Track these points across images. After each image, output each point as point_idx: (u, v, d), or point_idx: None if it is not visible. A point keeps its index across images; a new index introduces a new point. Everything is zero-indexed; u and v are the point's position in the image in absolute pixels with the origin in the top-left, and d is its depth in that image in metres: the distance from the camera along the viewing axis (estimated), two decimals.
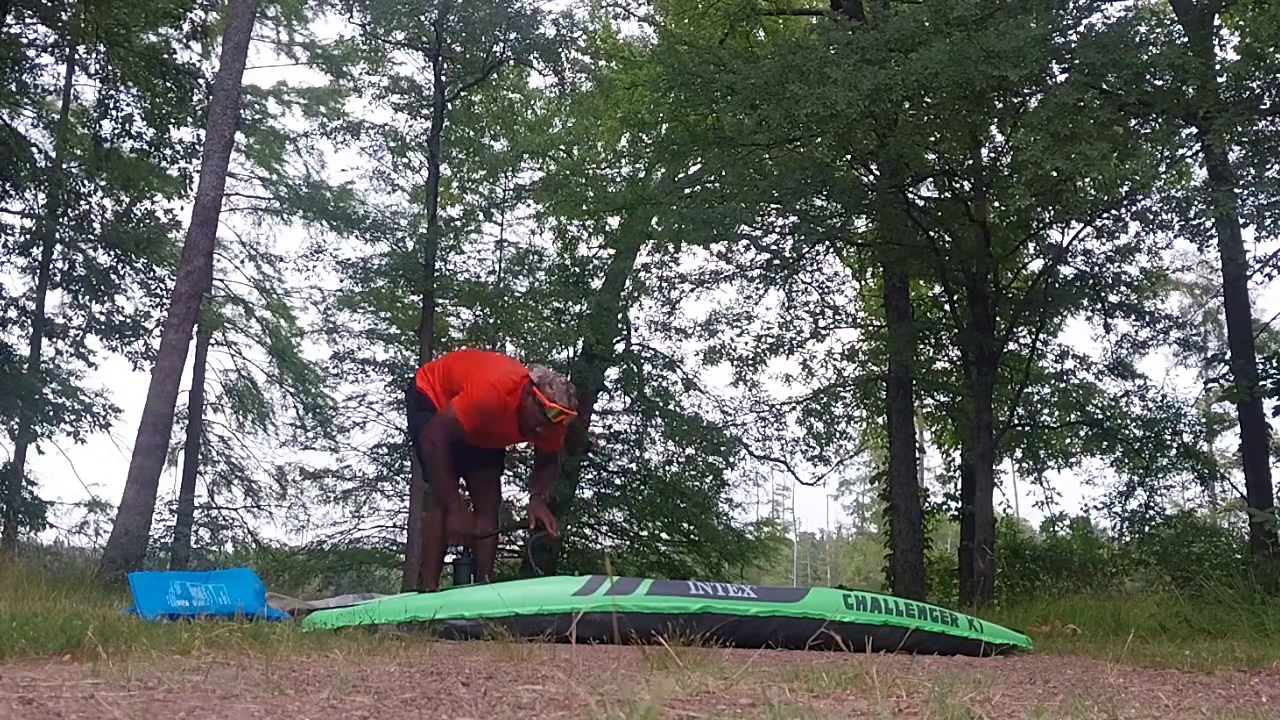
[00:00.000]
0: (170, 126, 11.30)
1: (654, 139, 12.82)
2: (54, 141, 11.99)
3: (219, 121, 8.39)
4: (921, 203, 10.04)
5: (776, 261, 11.74)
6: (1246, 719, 1.71)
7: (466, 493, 4.29)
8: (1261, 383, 8.22)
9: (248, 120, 15.02)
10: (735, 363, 12.70)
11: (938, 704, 1.58)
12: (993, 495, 9.50)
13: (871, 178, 10.15)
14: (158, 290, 12.46)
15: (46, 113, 12.37)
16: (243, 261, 17.12)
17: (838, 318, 12.92)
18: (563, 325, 13.46)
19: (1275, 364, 8.61)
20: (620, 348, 13.93)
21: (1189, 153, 8.58)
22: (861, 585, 21.18)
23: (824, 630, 3.38)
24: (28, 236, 11.90)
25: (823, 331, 12.74)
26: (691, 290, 12.74)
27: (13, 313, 12.33)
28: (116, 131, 11.32)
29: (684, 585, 3.80)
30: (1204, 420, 12.05)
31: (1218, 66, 7.55)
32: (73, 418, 12.30)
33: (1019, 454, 11.69)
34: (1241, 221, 7.67)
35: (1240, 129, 7.13)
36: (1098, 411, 11.17)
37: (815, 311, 12.75)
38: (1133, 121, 8.06)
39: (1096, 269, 9.69)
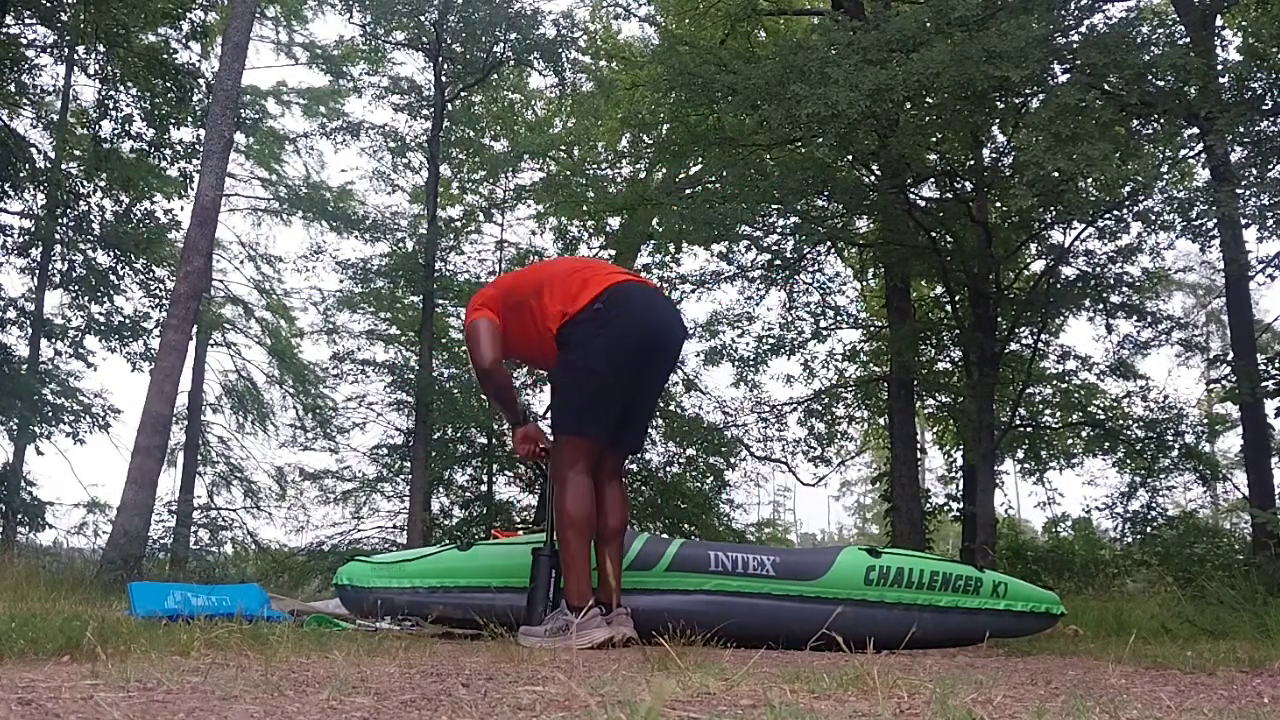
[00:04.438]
0: (170, 127, 11.29)
1: (655, 139, 12.82)
2: (53, 142, 11.99)
3: (218, 122, 8.38)
4: (923, 203, 10.04)
5: (778, 262, 11.72)
6: None
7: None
8: (1263, 384, 8.20)
9: (247, 120, 15.02)
10: (736, 363, 12.69)
11: (939, 705, 1.57)
12: (994, 496, 9.49)
13: (873, 178, 10.14)
14: (157, 291, 12.46)
15: (46, 113, 12.37)
16: (242, 262, 17.16)
17: (839, 318, 12.90)
18: None
19: (1277, 365, 8.60)
20: None
21: (1191, 153, 8.58)
22: None
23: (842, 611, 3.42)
24: (27, 237, 11.90)
25: (824, 332, 12.72)
26: (692, 291, 12.73)
27: (12, 313, 12.34)
28: (116, 132, 11.31)
29: (705, 559, 3.80)
30: (1206, 421, 12.03)
31: (1220, 67, 7.55)
32: (72, 419, 12.30)
33: (1020, 455, 11.67)
34: (1244, 222, 7.66)
35: (1242, 130, 7.12)
36: (1099, 412, 11.15)
37: (816, 312, 12.73)
38: (1134, 122, 8.05)
39: (1098, 270, 9.67)
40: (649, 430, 3.91)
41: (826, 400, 13.02)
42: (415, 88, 13.43)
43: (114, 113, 11.28)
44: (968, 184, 9.57)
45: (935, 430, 13.87)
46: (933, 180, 10.00)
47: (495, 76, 13.76)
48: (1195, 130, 7.69)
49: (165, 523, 11.85)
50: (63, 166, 11.89)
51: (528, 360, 3.89)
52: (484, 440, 13.31)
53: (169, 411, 7.92)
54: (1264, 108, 7.24)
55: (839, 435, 13.31)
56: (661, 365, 3.64)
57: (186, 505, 13.23)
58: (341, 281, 13.27)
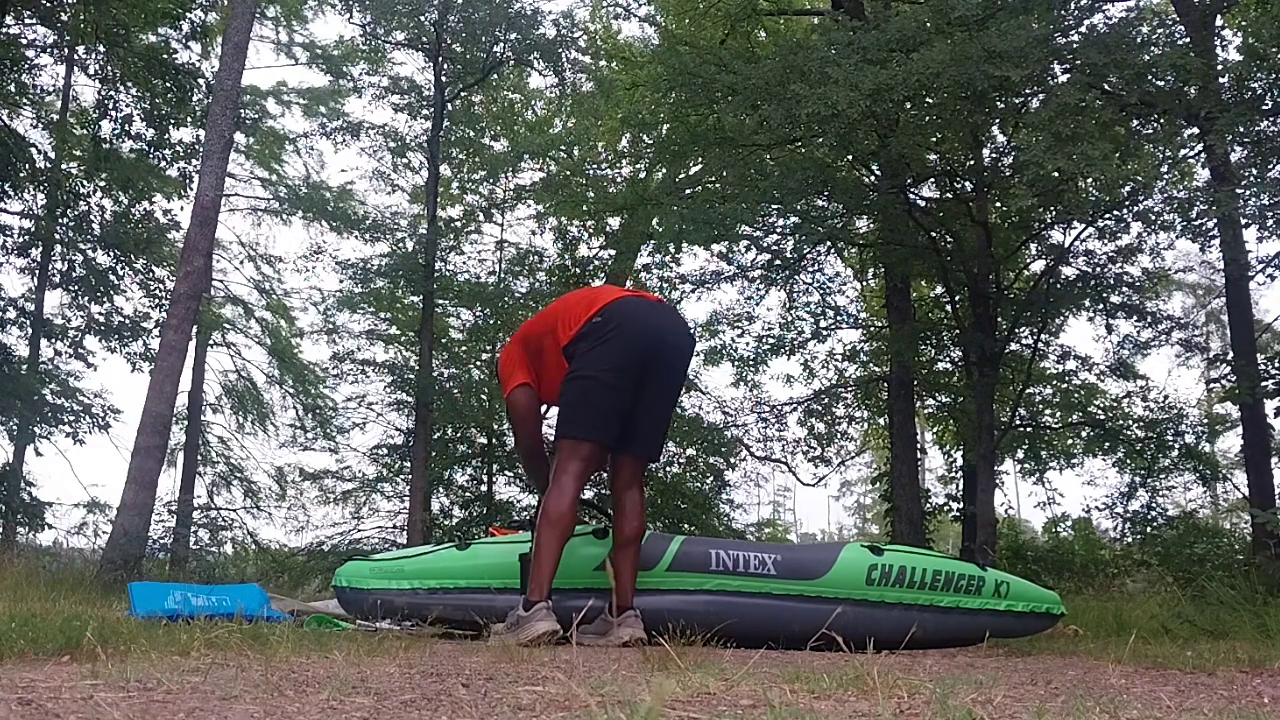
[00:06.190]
0: (170, 127, 11.29)
1: (654, 139, 12.81)
2: (53, 142, 11.99)
3: (218, 121, 8.38)
4: (923, 203, 10.03)
5: (777, 262, 11.71)
6: None
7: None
8: (1263, 384, 8.19)
9: (247, 120, 15.02)
10: (736, 363, 12.70)
11: (939, 705, 1.57)
12: (994, 496, 9.48)
13: (873, 178, 10.14)
14: (157, 291, 12.47)
15: (46, 113, 12.38)
16: (242, 262, 17.17)
17: (839, 318, 12.90)
18: None
19: (1277, 365, 8.59)
20: None
21: (1191, 153, 8.57)
22: None
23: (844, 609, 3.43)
24: (27, 237, 11.91)
25: (824, 332, 12.73)
26: (692, 291, 12.73)
27: (12, 313, 12.34)
28: (116, 132, 11.32)
29: (706, 558, 3.80)
30: (1206, 421, 12.02)
31: (1220, 67, 7.54)
32: (71, 419, 12.31)
33: (1020, 455, 11.66)
34: (1244, 222, 7.65)
35: (1242, 129, 7.10)
36: (1099, 412, 11.14)
37: (816, 312, 12.74)
38: (1134, 122, 8.04)
39: (1098, 269, 9.66)
40: (664, 441, 3.98)
41: (826, 400, 13.02)
42: (415, 88, 13.43)
43: (114, 113, 11.28)
44: (968, 184, 9.57)
45: (935, 430, 13.87)
46: (933, 180, 9.99)
47: (495, 76, 13.76)
48: (1195, 130, 7.68)
49: (165, 523, 11.83)
50: (63, 166, 11.89)
51: None
52: (484, 440, 13.31)
53: (169, 411, 7.92)
54: (1264, 108, 7.23)
55: (839, 435, 13.31)
56: (662, 372, 3.67)
57: (186, 505, 13.22)
58: (341, 281, 13.27)
